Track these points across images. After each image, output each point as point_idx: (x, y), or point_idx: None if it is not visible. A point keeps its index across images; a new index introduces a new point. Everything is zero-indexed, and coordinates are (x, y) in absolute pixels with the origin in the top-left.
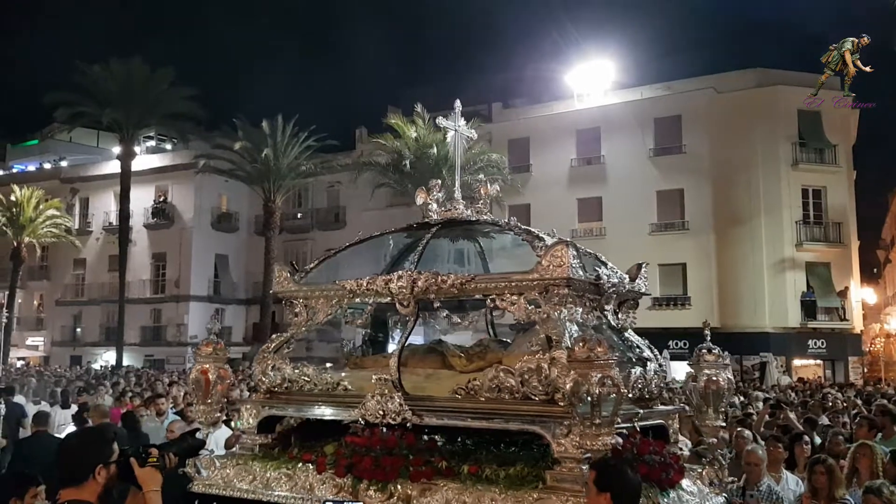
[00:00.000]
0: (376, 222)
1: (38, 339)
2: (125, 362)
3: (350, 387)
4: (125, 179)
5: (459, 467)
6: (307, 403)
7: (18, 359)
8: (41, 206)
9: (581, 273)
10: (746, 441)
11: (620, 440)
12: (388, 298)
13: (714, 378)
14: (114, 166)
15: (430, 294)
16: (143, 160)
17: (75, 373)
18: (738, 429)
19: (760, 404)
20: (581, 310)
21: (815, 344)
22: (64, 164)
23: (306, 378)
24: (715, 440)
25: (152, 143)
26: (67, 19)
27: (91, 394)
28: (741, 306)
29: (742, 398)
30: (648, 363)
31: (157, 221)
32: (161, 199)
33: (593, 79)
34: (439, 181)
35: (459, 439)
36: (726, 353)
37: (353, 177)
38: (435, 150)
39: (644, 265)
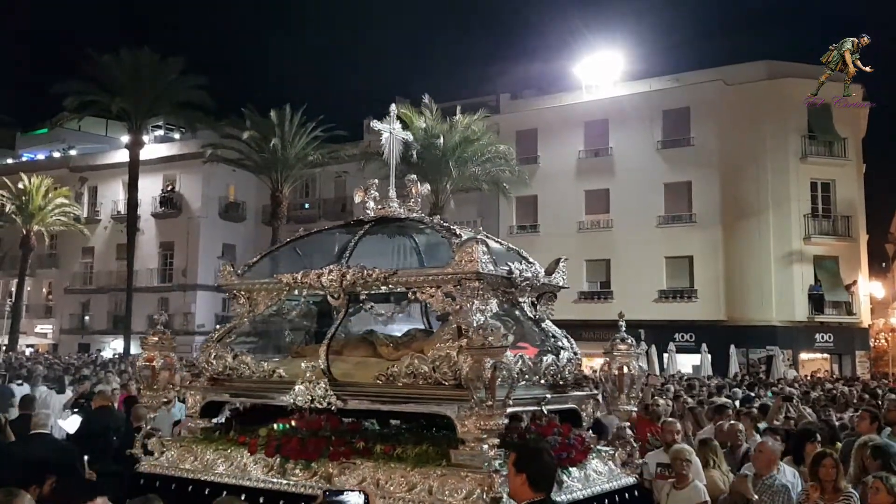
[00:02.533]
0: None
1: (46, 327)
2: (132, 350)
3: (285, 374)
4: (133, 168)
5: (375, 447)
6: (246, 390)
7: (27, 346)
8: (50, 195)
9: (491, 268)
10: (741, 435)
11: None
12: (321, 291)
13: (625, 366)
14: (122, 155)
15: (357, 287)
16: (152, 149)
17: (82, 360)
18: (731, 422)
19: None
20: (495, 301)
21: (823, 338)
22: (73, 152)
23: (245, 366)
24: (627, 423)
25: (161, 132)
26: (77, 8)
27: (93, 382)
28: (748, 299)
29: (749, 391)
30: (563, 352)
31: (164, 210)
32: (169, 189)
33: (602, 70)
34: (376, 180)
35: (397, 422)
36: (643, 343)
37: (361, 167)
38: (442, 140)
39: (563, 260)
